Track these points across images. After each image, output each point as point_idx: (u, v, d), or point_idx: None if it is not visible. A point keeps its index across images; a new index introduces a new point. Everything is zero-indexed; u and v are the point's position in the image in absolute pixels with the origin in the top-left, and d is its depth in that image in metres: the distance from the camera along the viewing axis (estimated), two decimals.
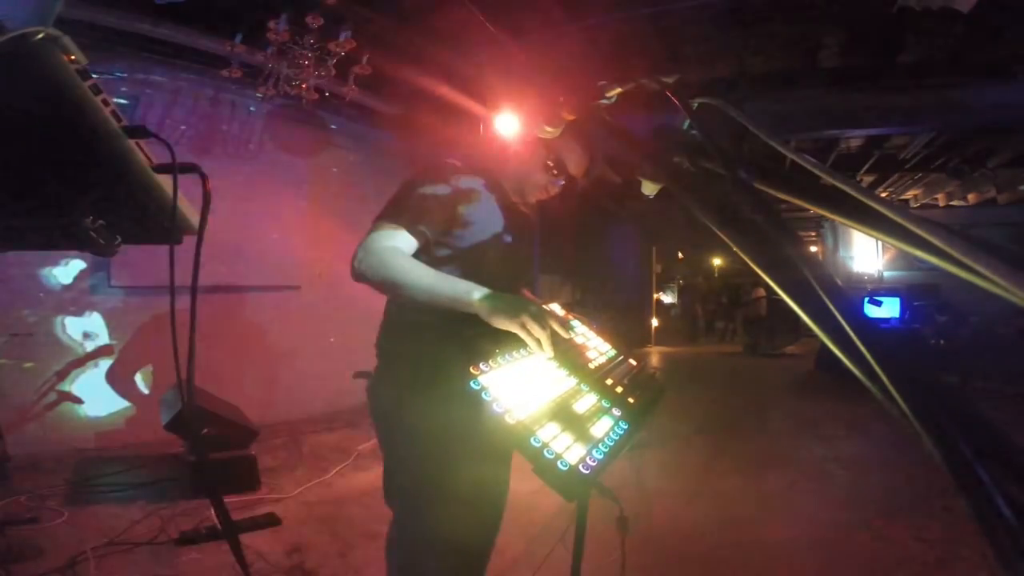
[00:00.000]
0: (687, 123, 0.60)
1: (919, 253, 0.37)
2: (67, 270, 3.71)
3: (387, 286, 1.18)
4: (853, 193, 0.42)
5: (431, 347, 1.22)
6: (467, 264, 1.27)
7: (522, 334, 1.03)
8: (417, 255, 1.23)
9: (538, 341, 1.02)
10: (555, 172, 1.35)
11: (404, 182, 1.31)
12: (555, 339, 1.04)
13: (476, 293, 1.11)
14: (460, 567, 1.29)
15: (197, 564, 2.26)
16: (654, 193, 0.69)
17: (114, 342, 3.83)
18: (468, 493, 1.24)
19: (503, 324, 1.05)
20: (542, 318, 1.03)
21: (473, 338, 1.03)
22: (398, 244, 1.20)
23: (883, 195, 5.62)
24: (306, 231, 4.77)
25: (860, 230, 0.43)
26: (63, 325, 3.69)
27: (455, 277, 1.16)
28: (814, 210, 0.47)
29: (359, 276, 1.17)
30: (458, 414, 1.16)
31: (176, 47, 3.75)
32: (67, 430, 3.62)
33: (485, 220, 1.32)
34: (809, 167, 0.50)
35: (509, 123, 1.56)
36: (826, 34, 3.93)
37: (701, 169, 0.57)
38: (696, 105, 0.60)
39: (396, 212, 1.23)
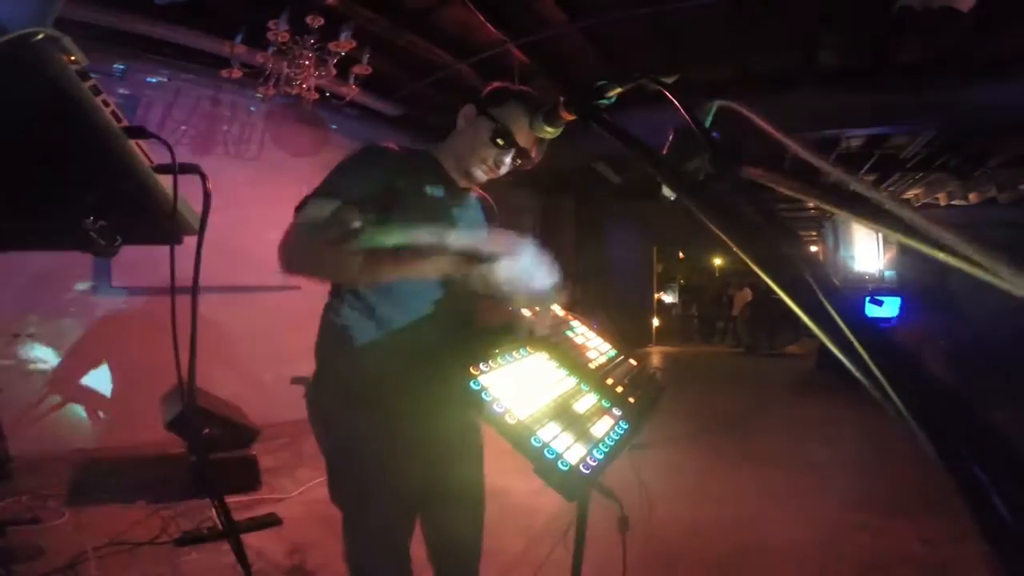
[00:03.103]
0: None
1: (921, 246, 0.37)
2: (68, 271, 3.71)
3: (327, 263, 1.05)
4: (859, 190, 0.42)
5: (365, 362, 1.16)
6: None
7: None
8: None
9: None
10: (500, 143, 1.17)
11: (334, 167, 1.18)
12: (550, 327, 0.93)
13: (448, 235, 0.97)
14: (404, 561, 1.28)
15: (198, 564, 2.26)
16: (675, 196, 0.68)
17: (115, 343, 3.83)
18: (413, 493, 1.23)
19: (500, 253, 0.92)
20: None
21: (414, 352, 0.94)
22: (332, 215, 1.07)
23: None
24: None
25: (867, 224, 0.43)
26: (64, 326, 3.70)
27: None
28: (815, 203, 0.48)
29: (288, 263, 1.04)
30: (395, 426, 1.15)
31: (176, 47, 3.75)
32: (68, 430, 3.62)
33: (427, 207, 1.19)
34: (815, 163, 0.50)
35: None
36: (826, 34, 3.92)
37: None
38: (715, 107, 0.60)
39: (326, 192, 1.11)
